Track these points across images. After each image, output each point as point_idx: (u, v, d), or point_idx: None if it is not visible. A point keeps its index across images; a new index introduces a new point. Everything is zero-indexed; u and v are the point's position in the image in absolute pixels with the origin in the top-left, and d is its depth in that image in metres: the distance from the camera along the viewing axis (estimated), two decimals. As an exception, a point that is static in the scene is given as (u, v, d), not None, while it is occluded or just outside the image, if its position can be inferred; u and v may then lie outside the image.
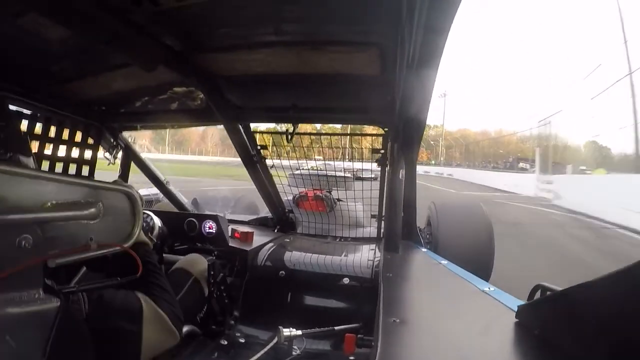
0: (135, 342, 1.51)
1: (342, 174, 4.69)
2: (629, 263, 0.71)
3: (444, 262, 2.26)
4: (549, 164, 31.86)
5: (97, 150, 3.03)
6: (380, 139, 2.93)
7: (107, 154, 3.27)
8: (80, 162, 2.87)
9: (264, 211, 4.46)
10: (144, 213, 1.92)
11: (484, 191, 27.90)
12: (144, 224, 2.27)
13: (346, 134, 2.95)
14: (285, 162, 3.47)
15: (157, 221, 2.86)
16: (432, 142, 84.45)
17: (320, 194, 4.48)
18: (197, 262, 2.65)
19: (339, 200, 4.52)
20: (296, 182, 4.08)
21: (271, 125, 2.99)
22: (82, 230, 1.29)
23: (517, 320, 1.24)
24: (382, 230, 3.48)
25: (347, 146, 3.04)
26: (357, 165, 3.87)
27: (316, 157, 3.54)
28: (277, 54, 2.04)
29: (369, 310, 2.40)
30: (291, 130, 2.77)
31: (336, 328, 2.35)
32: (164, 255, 2.68)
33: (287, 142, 2.81)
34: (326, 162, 3.78)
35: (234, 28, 1.84)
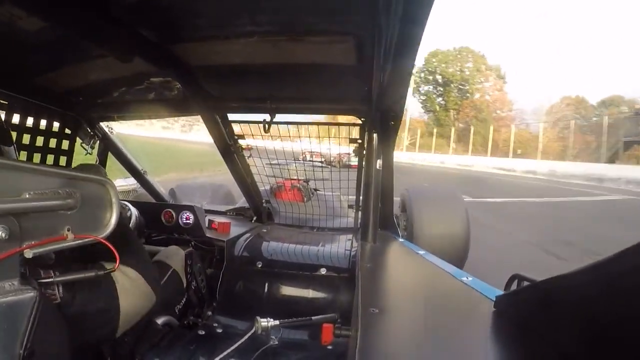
0: (112, 317, 1.53)
1: (319, 163, 4.71)
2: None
3: (422, 252, 2.28)
4: None
5: (75, 140, 3.02)
6: (358, 128, 2.94)
7: (84, 144, 3.25)
8: (57, 152, 2.86)
9: (241, 201, 4.47)
10: (121, 203, 1.91)
11: None
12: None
13: (323, 124, 2.95)
14: (262, 152, 3.48)
15: (135, 211, 2.86)
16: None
17: (298, 184, 4.49)
18: (176, 254, 2.66)
19: (316, 190, 4.54)
20: (273, 172, 4.09)
21: (249, 116, 2.97)
22: (59, 220, 1.29)
23: (495, 309, 1.26)
24: (359, 221, 3.50)
25: (325, 136, 3.04)
26: (334, 153, 3.88)
27: (294, 147, 3.54)
28: (254, 45, 2.04)
29: (346, 300, 2.43)
30: (268, 120, 2.77)
31: (313, 318, 2.37)
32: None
33: (265, 132, 2.81)
34: (303, 151, 3.79)
35: (211, 18, 1.83)
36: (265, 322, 2.31)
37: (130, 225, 2.66)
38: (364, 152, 2.88)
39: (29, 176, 1.19)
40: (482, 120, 58.13)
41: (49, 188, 1.26)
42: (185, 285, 2.67)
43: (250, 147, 3.40)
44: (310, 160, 4.57)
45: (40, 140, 2.70)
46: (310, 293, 2.92)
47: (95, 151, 3.33)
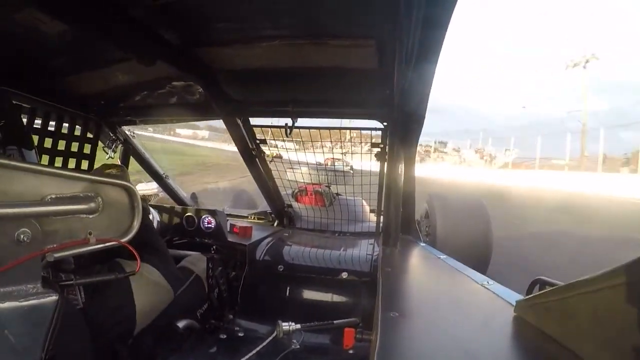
0: (129, 314, 1.54)
1: (341, 168, 4.70)
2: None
3: (443, 256, 2.26)
4: None
5: (97, 144, 3.04)
6: (380, 133, 2.92)
7: (106, 148, 3.27)
8: (79, 156, 2.88)
9: (263, 205, 4.47)
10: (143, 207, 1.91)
11: None
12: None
13: (345, 128, 2.94)
14: (284, 157, 3.48)
15: (156, 215, 2.87)
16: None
17: (319, 189, 4.49)
18: (199, 260, 2.72)
19: (337, 194, 4.53)
20: (295, 177, 4.08)
21: (270, 120, 2.97)
22: (80, 224, 1.29)
23: (515, 314, 1.24)
24: (380, 225, 3.48)
25: (347, 140, 3.03)
26: (357, 159, 3.88)
27: (315, 151, 3.53)
28: (276, 48, 2.04)
29: (367, 304, 2.42)
30: (290, 124, 2.76)
31: (335, 322, 2.36)
32: None
33: (287, 135, 2.81)
34: (325, 156, 3.78)
35: (233, 22, 1.83)
36: (287, 326, 2.31)
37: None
38: (386, 156, 2.86)
39: (51, 180, 1.19)
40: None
41: (71, 192, 1.26)
42: (207, 290, 2.68)
43: (279, 155, 3.41)
44: (333, 168, 4.56)
45: (62, 144, 2.72)
46: (331, 297, 2.92)
47: (117, 155, 3.35)
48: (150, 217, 2.83)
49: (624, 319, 0.75)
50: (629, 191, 22.10)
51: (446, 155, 57.34)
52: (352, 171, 4.27)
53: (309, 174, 4.37)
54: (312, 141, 2.99)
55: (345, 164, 4.73)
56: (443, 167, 46.43)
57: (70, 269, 1.46)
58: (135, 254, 1.57)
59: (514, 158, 45.85)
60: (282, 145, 3.31)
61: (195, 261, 2.74)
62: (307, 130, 2.90)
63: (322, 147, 3.23)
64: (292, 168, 3.82)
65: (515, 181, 31.42)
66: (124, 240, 1.47)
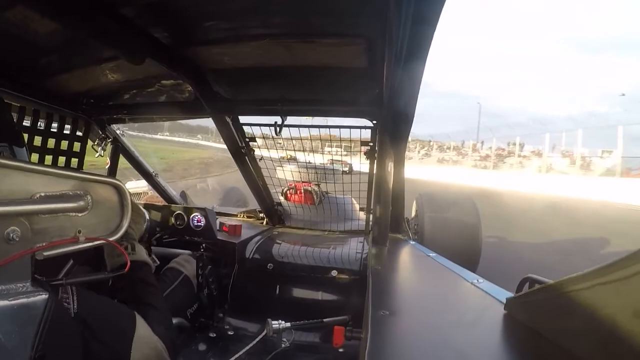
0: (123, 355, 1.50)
1: (330, 166, 4.71)
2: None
3: (432, 254, 2.27)
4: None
5: (86, 142, 3.03)
6: (369, 131, 2.93)
7: (95, 146, 3.27)
8: (69, 154, 2.87)
9: (252, 204, 4.48)
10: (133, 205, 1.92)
11: None
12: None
13: (335, 127, 2.94)
14: (274, 155, 3.48)
15: (145, 214, 2.87)
16: None
17: (309, 187, 4.49)
18: (188, 262, 2.74)
19: (327, 193, 4.54)
20: (285, 175, 4.09)
21: (260, 119, 2.98)
22: (70, 222, 1.29)
23: (505, 312, 1.25)
24: (370, 223, 3.50)
25: (336, 139, 3.03)
26: (346, 158, 3.89)
27: (305, 150, 3.54)
28: (265, 47, 2.04)
29: (357, 302, 2.42)
30: (280, 122, 2.77)
31: (325, 320, 2.37)
32: (152, 248, 2.68)
33: (276, 134, 2.81)
34: (315, 155, 3.78)
35: (222, 21, 1.84)
36: (277, 324, 2.32)
37: (143, 227, 2.66)
38: (376, 154, 2.87)
39: (40, 178, 1.19)
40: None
41: (61, 190, 1.26)
42: (196, 289, 2.68)
43: (268, 154, 3.42)
44: (322, 166, 4.57)
45: (51, 143, 2.71)
46: (321, 295, 2.93)
47: (106, 153, 3.34)
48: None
49: (616, 316, 0.76)
50: None
51: (525, 159, 41.99)
52: (350, 172, 4.28)
53: (299, 172, 4.38)
54: (301, 139, 2.99)
55: (343, 165, 4.74)
56: (527, 176, 34.03)
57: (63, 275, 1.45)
58: (124, 252, 1.57)
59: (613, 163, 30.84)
60: (272, 144, 3.31)
61: (184, 262, 2.74)
62: (297, 129, 2.90)
63: (312, 146, 3.24)
64: (281, 166, 3.83)
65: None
66: (112, 239, 1.46)
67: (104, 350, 1.40)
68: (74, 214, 1.31)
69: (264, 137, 3.19)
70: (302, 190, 4.53)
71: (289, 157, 3.70)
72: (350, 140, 2.98)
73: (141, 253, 1.93)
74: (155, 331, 1.61)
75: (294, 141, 3.03)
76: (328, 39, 1.94)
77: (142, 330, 1.55)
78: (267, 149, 3.36)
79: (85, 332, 1.27)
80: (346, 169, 4.56)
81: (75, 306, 1.30)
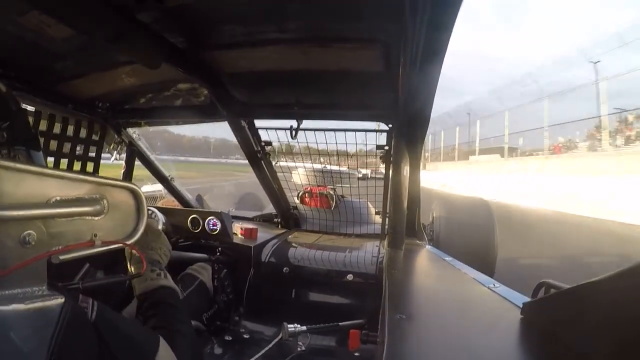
0: None
1: (346, 170, 4.71)
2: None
3: (448, 258, 2.26)
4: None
5: (102, 147, 3.04)
6: (384, 135, 2.92)
7: (111, 151, 3.28)
8: (85, 158, 2.88)
9: (268, 207, 4.48)
10: (148, 209, 1.92)
11: None
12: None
13: (351, 130, 2.94)
14: (289, 158, 3.48)
15: (161, 217, 2.88)
16: None
17: (325, 191, 4.49)
18: (205, 269, 2.78)
19: (343, 196, 4.54)
20: (300, 179, 4.09)
21: (276, 123, 2.98)
22: (86, 226, 1.29)
23: (522, 316, 1.24)
24: (386, 227, 3.49)
25: (352, 142, 3.03)
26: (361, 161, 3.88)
27: (320, 153, 3.54)
28: (281, 51, 2.04)
29: (373, 306, 2.41)
30: (295, 126, 2.77)
31: (340, 324, 2.37)
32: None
33: (292, 138, 2.82)
34: (330, 158, 3.78)
35: (238, 25, 1.84)
36: (293, 328, 2.32)
37: (169, 255, 2.68)
38: (391, 158, 2.87)
39: (56, 182, 1.19)
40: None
41: (77, 194, 1.26)
42: (212, 293, 2.69)
43: (276, 153, 3.42)
44: (338, 170, 4.57)
45: (67, 147, 2.73)
46: (337, 299, 2.92)
47: (122, 157, 3.36)
48: (156, 219, 2.84)
49: (634, 320, 0.75)
50: None
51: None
52: (366, 178, 4.27)
53: (314, 176, 4.38)
54: (317, 143, 2.99)
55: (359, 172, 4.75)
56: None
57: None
58: (141, 255, 1.57)
59: None
60: (288, 148, 3.31)
61: (200, 269, 2.76)
62: (313, 133, 2.90)
63: (328, 149, 3.24)
64: (297, 170, 3.83)
65: None
66: (129, 242, 1.47)
67: None
68: (90, 217, 1.31)
69: (279, 141, 3.19)
70: (318, 194, 4.53)
71: (304, 160, 3.69)
72: (366, 145, 2.98)
73: (169, 279, 1.93)
74: (179, 356, 1.61)
75: (309, 145, 3.02)
76: (344, 43, 1.94)
77: (165, 355, 1.54)
78: (283, 152, 3.36)
79: (102, 344, 1.27)
80: (366, 172, 4.55)
81: (93, 316, 1.30)
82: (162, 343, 1.52)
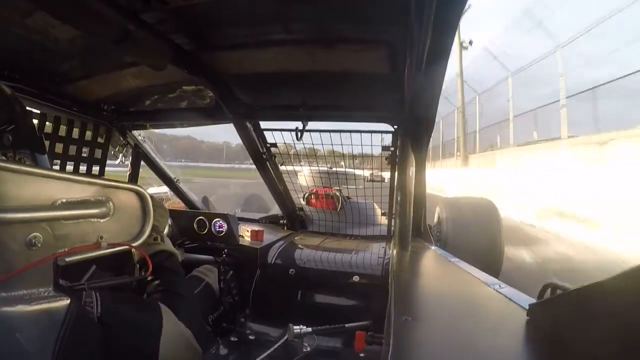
0: (150, 356, 1.50)
1: (352, 171, 4.71)
2: None
3: (455, 259, 2.26)
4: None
5: (107, 149, 3.04)
6: (390, 136, 2.93)
7: (117, 153, 3.29)
8: (90, 161, 2.89)
9: (274, 209, 4.49)
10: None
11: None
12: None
13: (356, 131, 2.94)
14: (295, 160, 3.48)
15: (168, 219, 2.89)
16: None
17: (331, 192, 4.49)
18: (211, 272, 2.81)
19: (349, 198, 4.53)
20: (306, 180, 4.09)
21: (281, 124, 2.99)
22: (92, 228, 1.30)
23: (528, 318, 1.24)
24: (392, 228, 3.49)
25: (357, 144, 3.03)
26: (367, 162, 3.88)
27: (326, 155, 3.54)
28: (287, 52, 2.05)
29: (379, 307, 2.41)
30: (301, 127, 2.77)
31: (346, 325, 2.37)
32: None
33: (297, 139, 2.82)
34: (335, 160, 3.79)
35: (243, 27, 1.85)
36: (298, 329, 2.32)
37: (167, 220, 2.68)
38: (397, 159, 2.87)
39: (62, 184, 1.19)
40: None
41: (82, 196, 1.26)
42: (218, 295, 2.70)
43: (282, 155, 3.42)
44: (344, 171, 4.58)
45: (72, 149, 2.73)
46: (343, 300, 2.93)
47: (127, 159, 3.37)
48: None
49: None
50: None
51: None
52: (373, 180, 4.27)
53: (320, 177, 4.38)
54: (322, 144, 2.99)
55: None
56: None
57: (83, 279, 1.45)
58: (147, 257, 1.58)
59: None
60: (294, 150, 3.32)
61: (207, 271, 2.79)
62: (318, 134, 2.90)
63: (333, 151, 3.24)
64: (303, 171, 3.83)
65: None
66: (135, 244, 1.47)
67: (132, 352, 1.40)
68: (95, 220, 1.31)
69: (285, 143, 3.19)
70: (324, 195, 4.53)
71: (309, 162, 3.70)
72: (372, 146, 2.98)
73: (168, 243, 1.94)
74: (182, 319, 1.62)
75: (315, 146, 3.03)
76: (349, 45, 1.95)
77: (169, 321, 1.55)
78: (289, 154, 3.36)
79: (109, 337, 1.27)
80: (372, 172, 4.55)
81: (99, 310, 1.30)
82: (165, 314, 1.54)
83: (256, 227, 3.44)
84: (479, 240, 4.55)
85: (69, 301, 1.12)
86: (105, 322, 1.30)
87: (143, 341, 1.45)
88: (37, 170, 1.13)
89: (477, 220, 4.76)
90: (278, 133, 3.01)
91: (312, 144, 2.97)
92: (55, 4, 1.46)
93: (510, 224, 10.77)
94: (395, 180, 3.01)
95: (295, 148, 3.29)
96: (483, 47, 24.69)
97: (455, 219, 4.70)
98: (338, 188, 4.60)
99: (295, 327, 2.32)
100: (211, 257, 2.99)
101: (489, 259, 4.46)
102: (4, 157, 1.65)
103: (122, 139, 3.26)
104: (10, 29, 1.70)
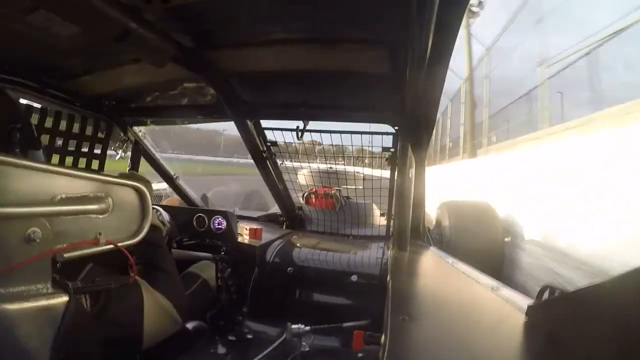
0: (137, 334, 1.52)
1: (352, 171, 4.71)
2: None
3: (453, 260, 2.26)
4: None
5: (107, 144, 3.03)
6: (390, 137, 2.93)
7: (117, 149, 3.29)
8: (90, 156, 2.89)
9: (273, 208, 4.49)
10: (153, 208, 1.93)
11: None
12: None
13: (356, 132, 2.94)
14: (295, 159, 3.48)
15: (166, 216, 2.88)
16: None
17: (330, 192, 4.49)
18: (208, 267, 2.78)
19: (348, 198, 4.53)
20: (306, 180, 4.09)
21: (281, 124, 2.99)
22: (90, 224, 1.30)
23: (526, 319, 1.24)
24: (391, 229, 3.49)
25: (357, 144, 3.03)
26: (367, 161, 3.88)
27: (326, 154, 3.54)
28: (288, 51, 2.05)
29: (377, 307, 2.42)
30: (301, 127, 2.77)
31: (344, 325, 2.37)
32: (172, 251, 2.70)
33: (298, 139, 2.82)
34: (336, 159, 3.79)
35: (244, 25, 1.85)
36: (296, 328, 2.32)
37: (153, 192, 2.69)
38: (397, 160, 2.87)
39: (61, 179, 1.19)
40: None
41: (81, 192, 1.26)
42: (216, 292, 2.70)
43: (282, 154, 3.42)
44: (344, 170, 4.59)
45: (72, 144, 2.73)
46: (341, 300, 2.92)
47: (127, 155, 3.36)
48: (160, 218, 2.84)
49: (638, 323, 0.75)
50: None
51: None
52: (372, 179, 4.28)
53: (320, 176, 4.38)
54: (323, 144, 2.99)
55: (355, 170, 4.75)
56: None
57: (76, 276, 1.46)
58: (131, 260, 1.57)
59: None
60: (294, 148, 3.32)
61: (204, 267, 2.77)
62: (319, 134, 2.90)
63: (333, 150, 3.24)
64: (302, 171, 3.83)
65: None
66: (133, 241, 1.47)
67: (120, 331, 1.42)
68: (94, 215, 1.31)
69: (285, 142, 3.19)
70: (323, 195, 4.53)
71: (309, 161, 3.70)
72: (371, 146, 2.98)
73: (154, 217, 1.94)
74: (163, 292, 1.63)
75: (315, 145, 3.03)
76: (350, 44, 1.95)
77: (150, 296, 1.57)
78: (289, 153, 3.36)
79: (103, 325, 1.28)
80: (371, 172, 4.56)
81: (87, 307, 1.31)
82: (145, 291, 1.56)
83: (255, 225, 3.44)
84: (477, 241, 4.56)
85: (67, 298, 1.12)
86: (96, 313, 1.31)
87: (129, 317, 1.49)
88: (37, 165, 1.13)
89: (477, 223, 4.77)
90: (279, 132, 3.01)
91: (313, 144, 2.97)
92: (55, 1, 1.46)
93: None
94: (395, 180, 3.01)
95: (295, 147, 3.28)
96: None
97: (454, 222, 4.71)
98: (337, 188, 4.60)
99: (293, 326, 2.32)
100: (209, 255, 2.99)
101: (489, 260, 4.47)
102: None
103: (122, 134, 3.26)
104: (12, 25, 1.70)
